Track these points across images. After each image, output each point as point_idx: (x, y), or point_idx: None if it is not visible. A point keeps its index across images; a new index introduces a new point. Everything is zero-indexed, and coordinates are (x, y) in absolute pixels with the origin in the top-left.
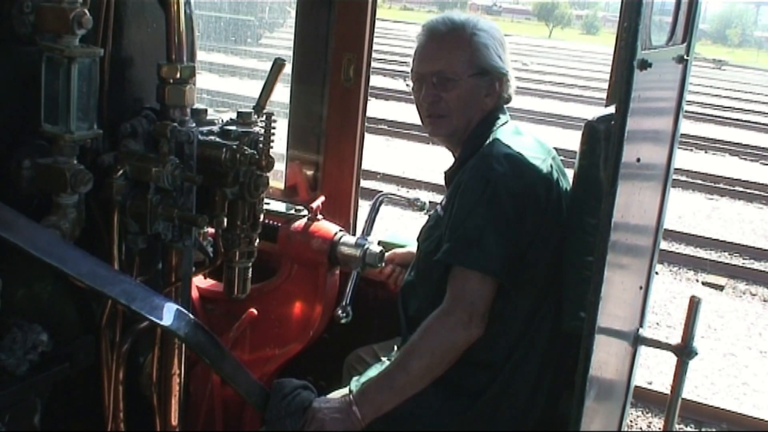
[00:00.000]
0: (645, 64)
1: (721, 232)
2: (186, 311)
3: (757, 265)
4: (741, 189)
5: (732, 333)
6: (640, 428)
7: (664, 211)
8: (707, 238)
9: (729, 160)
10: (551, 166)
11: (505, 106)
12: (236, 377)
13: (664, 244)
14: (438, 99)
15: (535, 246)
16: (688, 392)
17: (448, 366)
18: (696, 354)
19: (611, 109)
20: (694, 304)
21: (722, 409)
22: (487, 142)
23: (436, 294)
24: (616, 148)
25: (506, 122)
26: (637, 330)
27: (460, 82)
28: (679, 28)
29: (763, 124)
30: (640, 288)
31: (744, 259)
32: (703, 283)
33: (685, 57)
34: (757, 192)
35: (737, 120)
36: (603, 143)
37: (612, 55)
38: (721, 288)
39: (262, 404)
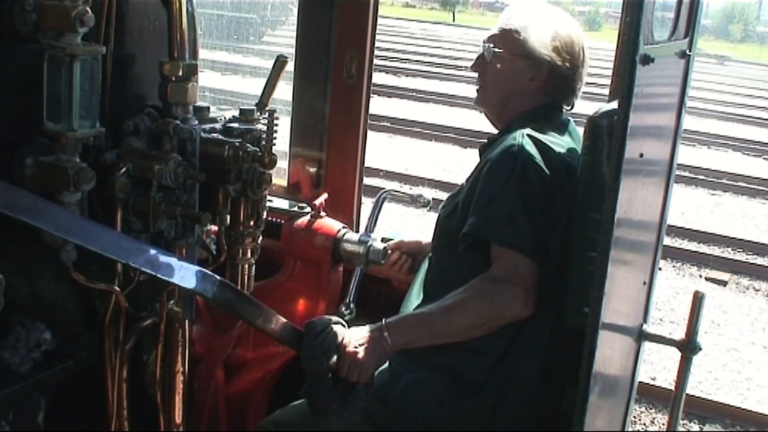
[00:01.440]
0: (647, 59)
1: (724, 227)
2: (210, 272)
3: (760, 261)
4: (744, 184)
5: (735, 328)
6: (644, 424)
7: (667, 206)
8: (710, 233)
9: (732, 155)
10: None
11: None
12: (270, 326)
13: (667, 240)
14: (484, 70)
15: (553, 234)
16: (692, 388)
17: (485, 333)
18: (700, 349)
19: (614, 105)
20: (697, 300)
21: (726, 405)
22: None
23: (455, 264)
24: (619, 143)
25: (557, 119)
26: (641, 326)
27: (503, 58)
28: (682, 23)
29: (766, 119)
30: (644, 283)
31: (747, 254)
32: (707, 279)
33: (688, 52)
34: (760, 187)
35: (740, 115)
36: (606, 139)
37: (615, 51)
38: (724, 283)
39: (296, 344)
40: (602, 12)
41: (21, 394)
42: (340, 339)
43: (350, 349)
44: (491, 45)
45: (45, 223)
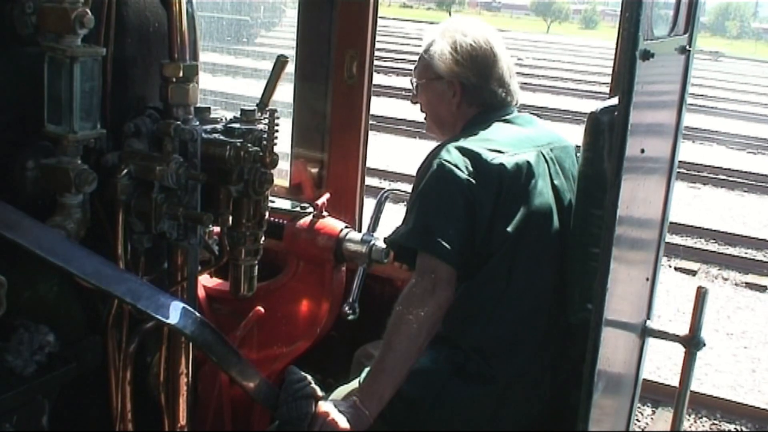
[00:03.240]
0: (647, 55)
1: (701, 219)
2: (192, 309)
3: (731, 251)
4: (724, 177)
5: None
6: None
7: (669, 203)
8: (682, 224)
9: (716, 149)
10: (527, 161)
11: (511, 106)
12: (244, 375)
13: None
14: (418, 101)
15: (492, 235)
16: (649, 373)
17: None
18: (704, 345)
19: (614, 101)
20: (701, 295)
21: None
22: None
23: None
24: (620, 139)
25: (485, 121)
26: (645, 322)
27: (424, 86)
28: (681, 18)
29: (754, 113)
30: (647, 280)
31: (720, 244)
32: (676, 269)
33: (688, 48)
34: (739, 180)
35: (728, 110)
36: (607, 135)
37: (614, 49)
38: (693, 273)
39: (269, 402)
40: (599, 10)
41: (25, 396)
42: (319, 394)
43: (323, 409)
44: (414, 78)
45: (29, 242)
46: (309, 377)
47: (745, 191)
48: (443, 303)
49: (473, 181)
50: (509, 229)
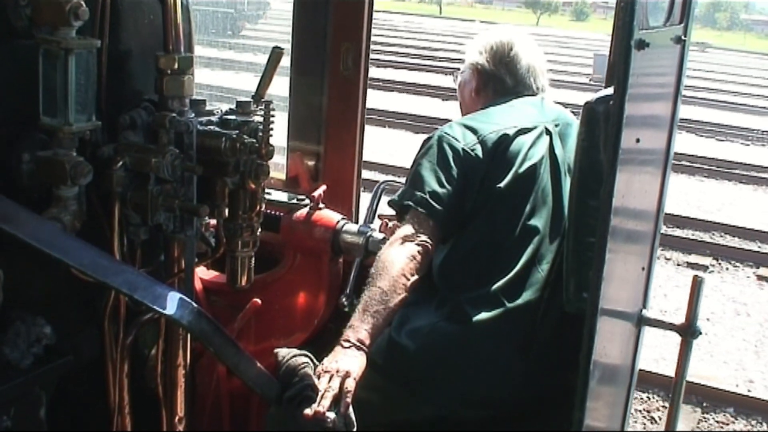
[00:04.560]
0: (642, 44)
1: None
2: (189, 300)
3: (678, 233)
4: (687, 163)
5: None
6: None
7: (664, 194)
8: None
9: (685, 137)
10: (525, 132)
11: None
12: (241, 365)
13: None
14: None
15: (480, 195)
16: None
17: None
18: (700, 334)
19: (610, 91)
20: (697, 284)
21: None
22: None
23: None
24: (615, 129)
25: (506, 102)
26: (641, 311)
27: (458, 76)
28: (677, 8)
29: (733, 102)
30: (643, 269)
31: (667, 227)
32: None
33: (683, 37)
34: (699, 166)
35: (703, 99)
36: (602, 124)
37: (597, 40)
38: None
39: (267, 391)
40: (590, 2)
41: (22, 388)
42: (315, 365)
43: (322, 366)
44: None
45: (25, 235)
46: (293, 350)
47: (705, 177)
48: (409, 253)
49: (470, 152)
50: (499, 185)
